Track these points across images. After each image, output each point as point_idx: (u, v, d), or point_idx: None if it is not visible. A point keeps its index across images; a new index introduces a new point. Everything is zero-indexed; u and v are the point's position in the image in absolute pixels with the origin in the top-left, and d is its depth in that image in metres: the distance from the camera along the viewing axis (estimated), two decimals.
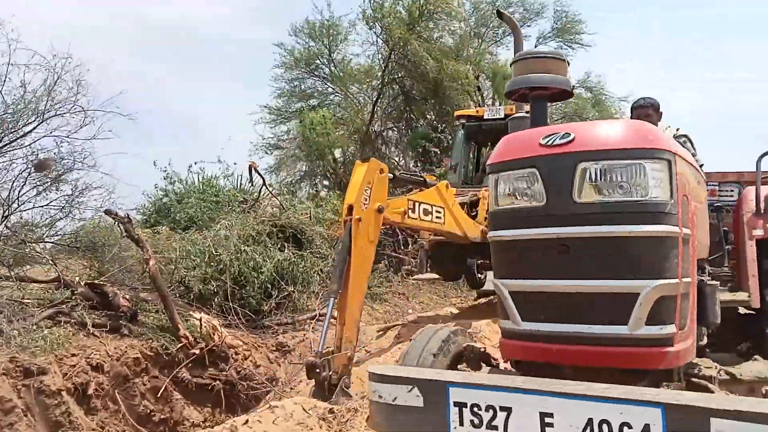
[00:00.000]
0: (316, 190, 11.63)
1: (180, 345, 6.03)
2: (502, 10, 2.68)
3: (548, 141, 1.85)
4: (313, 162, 13.93)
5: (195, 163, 10.82)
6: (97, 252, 7.28)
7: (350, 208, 4.73)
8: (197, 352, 6.06)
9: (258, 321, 7.68)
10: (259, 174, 8.91)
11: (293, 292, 8.32)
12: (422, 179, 6.79)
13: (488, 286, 10.96)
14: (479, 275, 10.56)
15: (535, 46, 18.33)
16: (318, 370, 4.46)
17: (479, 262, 10.18)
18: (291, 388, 6.39)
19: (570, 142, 1.81)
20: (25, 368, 4.97)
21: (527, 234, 1.89)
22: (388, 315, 9.49)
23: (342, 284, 4.69)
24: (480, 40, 16.99)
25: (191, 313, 6.60)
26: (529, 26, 17.71)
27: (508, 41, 17.96)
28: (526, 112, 3.14)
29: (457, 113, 9.98)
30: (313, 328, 7.92)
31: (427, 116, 14.61)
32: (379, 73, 14.12)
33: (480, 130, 9.61)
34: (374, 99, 14.38)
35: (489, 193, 2.15)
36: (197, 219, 9.74)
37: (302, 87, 16.46)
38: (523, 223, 1.90)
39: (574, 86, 2.12)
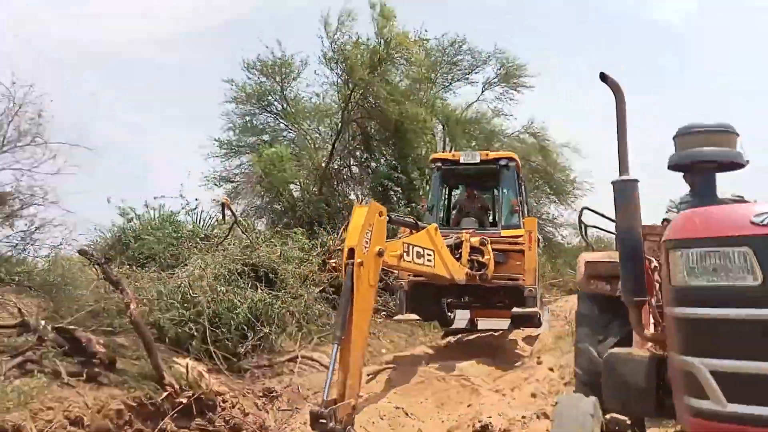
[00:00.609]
0: (278, 228, 11.35)
1: (165, 394, 5.56)
2: (606, 73, 2.66)
3: (762, 220, 1.81)
4: (273, 198, 13.64)
5: (155, 198, 10.33)
6: (53, 292, 6.74)
7: (351, 252, 4.59)
8: (184, 401, 5.60)
9: (235, 364, 7.27)
10: (231, 211, 8.60)
11: (269, 333, 7.98)
12: (414, 222, 6.80)
13: (458, 324, 10.99)
14: (449, 314, 10.58)
15: (482, 92, 19.13)
16: (324, 421, 4.20)
17: (449, 301, 10.23)
18: None
19: None
20: None
21: (739, 314, 1.80)
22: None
23: (345, 330, 4.51)
24: (432, 85, 17.45)
25: (174, 359, 6.14)
26: (476, 73, 18.41)
27: (456, 86, 18.64)
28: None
29: (433, 156, 10.11)
30: (291, 370, 7.62)
31: (387, 156, 14.72)
32: (339, 113, 14.15)
33: (455, 174, 9.79)
34: (334, 137, 14.35)
35: (670, 267, 2.04)
36: (157, 256, 9.24)
37: (254, 122, 16.34)
38: (733, 302, 1.83)
39: (747, 161, 2.08)
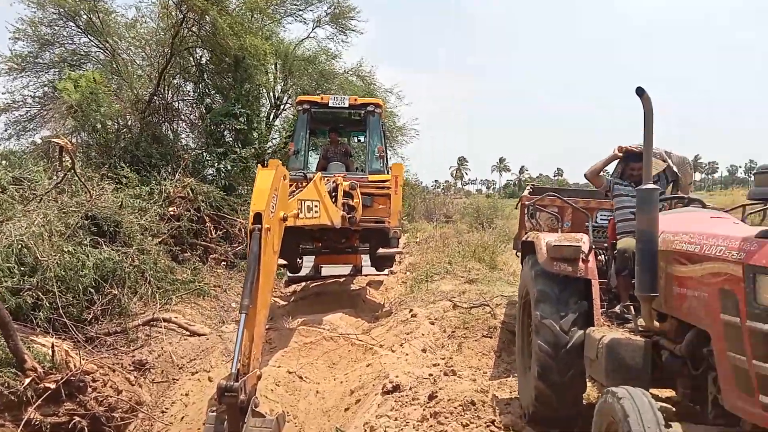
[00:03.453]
0: (104, 172, 9.88)
1: (28, 380, 4.73)
2: (643, 88, 2.76)
3: None
4: (90, 135, 11.84)
5: None
6: None
7: (257, 216, 4.36)
8: (51, 386, 4.83)
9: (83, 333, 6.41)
10: (71, 156, 7.24)
11: (119, 295, 7.16)
12: (304, 176, 6.58)
13: (303, 271, 10.98)
14: (299, 260, 10.51)
15: (313, 30, 18.62)
16: (234, 394, 4.05)
17: (301, 247, 10.15)
18: (162, 412, 5.60)
19: None
20: None
21: None
22: (215, 311, 8.81)
23: (252, 298, 4.33)
24: (264, 17, 16.41)
25: (33, 338, 5.21)
26: (310, 11, 17.77)
27: (288, 21, 17.82)
28: None
29: (300, 98, 9.73)
30: (147, 335, 6.98)
31: (224, 93, 13.62)
32: (169, 40, 12.60)
33: (322, 117, 9.57)
34: (161, 67, 12.79)
35: (758, 289, 2.34)
36: None
37: (54, 35, 13.79)
38: None
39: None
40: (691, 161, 5.35)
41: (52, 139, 8.11)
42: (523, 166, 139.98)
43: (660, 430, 2.31)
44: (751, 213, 4.17)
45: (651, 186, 3.01)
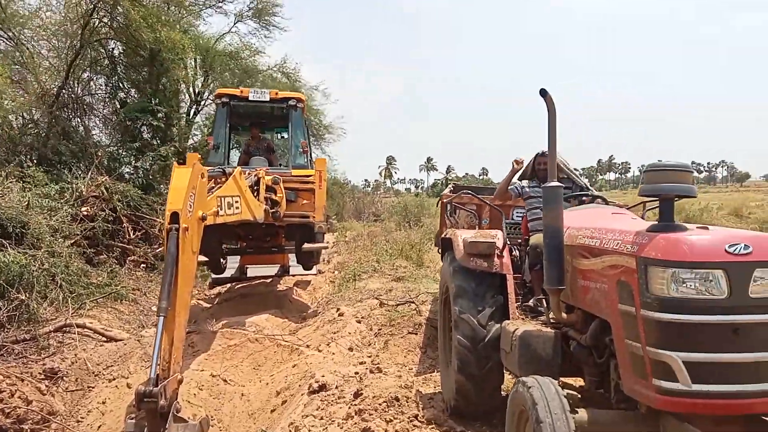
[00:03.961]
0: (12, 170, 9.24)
1: None
2: (546, 90, 2.90)
3: (734, 250, 2.44)
4: None
5: None
6: None
7: (174, 216, 4.29)
8: None
9: None
10: None
11: (27, 300, 6.76)
12: (223, 171, 6.45)
13: (227, 272, 10.74)
14: (223, 260, 10.27)
15: (234, 24, 18.23)
16: (154, 399, 3.98)
17: (225, 247, 9.93)
18: (77, 422, 5.34)
19: (750, 253, 2.44)
20: None
21: (711, 320, 2.42)
22: (134, 315, 8.48)
23: (170, 301, 4.26)
24: (182, 10, 15.90)
25: None
26: (231, 3, 17.40)
27: (208, 14, 17.36)
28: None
29: (218, 91, 9.48)
30: (60, 342, 6.63)
31: (139, 87, 13.07)
32: (79, 31, 11.94)
33: (243, 111, 9.38)
34: (70, 59, 12.10)
35: (648, 279, 2.53)
36: None
37: None
38: (706, 311, 2.42)
39: (697, 194, 2.69)
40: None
41: None
42: (449, 166, 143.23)
43: (566, 416, 2.47)
44: (649, 209, 4.49)
45: (555, 183, 3.20)
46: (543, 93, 3.11)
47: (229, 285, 11.05)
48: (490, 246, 3.91)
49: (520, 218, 5.47)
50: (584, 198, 4.38)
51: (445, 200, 6.19)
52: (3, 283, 6.56)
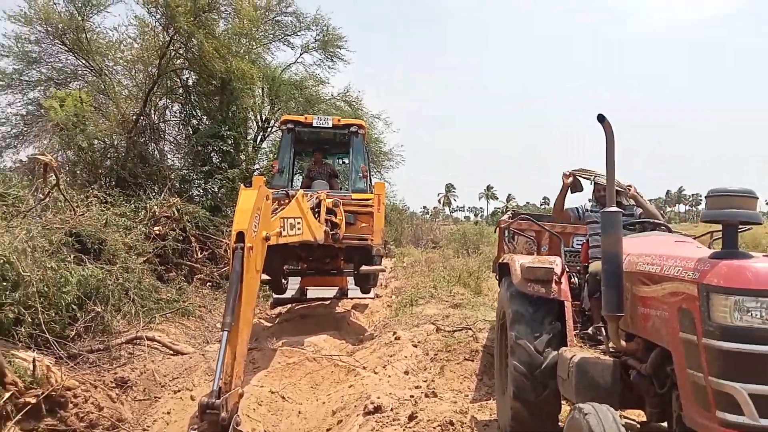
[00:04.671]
0: (94, 190, 9.91)
1: (8, 394, 4.72)
2: (604, 115, 2.93)
3: None
4: (76, 153, 11.87)
5: None
6: None
7: (240, 235, 4.48)
8: (32, 400, 4.83)
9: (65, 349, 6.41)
10: (55, 173, 7.31)
11: (102, 312, 7.17)
12: (286, 193, 6.70)
13: (288, 293, 11.01)
14: (284, 281, 10.55)
15: (300, 55, 18.90)
16: (216, 411, 4.10)
17: (286, 268, 10.19)
18: (143, 430, 5.58)
19: None
20: None
21: None
22: (200, 331, 8.83)
23: (235, 316, 4.41)
24: (252, 42, 16.68)
25: (14, 352, 5.21)
26: (298, 36, 18.08)
27: (276, 46, 18.11)
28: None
29: (284, 117, 9.91)
30: (130, 353, 6.97)
31: (211, 114, 13.77)
32: (157, 61, 12.76)
33: (305, 137, 9.75)
34: (148, 88, 12.93)
35: (711, 307, 2.46)
36: None
37: (40, 53, 13.88)
38: None
39: (762, 221, 2.64)
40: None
41: (37, 156, 8.18)
42: (510, 194, 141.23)
43: None
44: (716, 239, 4.35)
45: (614, 209, 3.18)
46: (601, 119, 3.12)
47: (289, 305, 11.32)
48: (548, 272, 3.90)
49: (580, 246, 5.40)
50: (646, 225, 4.30)
51: (503, 226, 6.19)
52: (81, 295, 6.98)
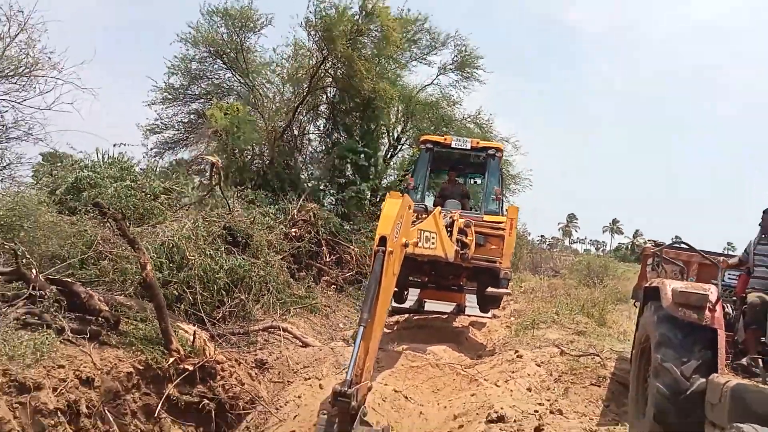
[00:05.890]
0: (245, 191, 10.97)
1: (172, 360, 5.36)
2: None
3: None
4: (230, 159, 13.08)
5: (114, 145, 9.59)
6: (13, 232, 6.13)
7: (382, 239, 4.68)
8: (190, 368, 5.43)
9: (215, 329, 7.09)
10: (219, 173, 8.19)
11: (245, 300, 7.83)
12: (425, 208, 6.96)
13: (407, 303, 11.27)
14: (405, 292, 10.84)
15: (437, 76, 19.27)
16: (347, 400, 4.29)
17: (410, 279, 10.46)
18: (277, 409, 6.03)
19: None
20: (20, 383, 4.11)
21: None
22: (325, 328, 9.32)
23: (371, 313, 4.61)
24: (392, 62, 17.34)
25: (179, 324, 5.90)
26: (434, 54, 18.46)
27: (413, 65, 18.66)
28: None
29: (423, 137, 10.24)
30: (266, 340, 7.53)
31: (353, 130, 14.56)
32: (308, 79, 13.74)
33: (444, 157, 10.03)
34: (297, 102, 13.95)
35: None
36: (124, 209, 8.65)
37: (202, 69, 15.45)
38: None
39: None
40: None
41: (206, 157, 9.15)
42: (637, 230, 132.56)
43: None
44: None
45: None
46: None
47: (406, 315, 11.56)
48: (701, 298, 3.78)
49: (733, 280, 5.12)
50: None
51: (648, 253, 5.99)
52: (230, 282, 7.70)
